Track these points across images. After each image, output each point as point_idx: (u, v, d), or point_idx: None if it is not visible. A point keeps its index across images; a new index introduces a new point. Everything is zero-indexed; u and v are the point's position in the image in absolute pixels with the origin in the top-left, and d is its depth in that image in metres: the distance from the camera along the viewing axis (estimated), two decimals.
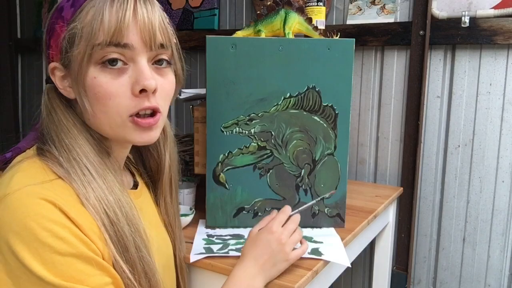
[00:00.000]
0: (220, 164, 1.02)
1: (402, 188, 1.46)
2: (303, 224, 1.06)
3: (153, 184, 0.82)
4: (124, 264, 0.59)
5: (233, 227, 1.05)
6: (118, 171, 0.68)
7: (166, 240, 0.81)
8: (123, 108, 0.61)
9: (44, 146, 0.62)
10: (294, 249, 0.83)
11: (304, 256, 0.90)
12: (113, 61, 0.60)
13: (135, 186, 0.79)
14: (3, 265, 0.53)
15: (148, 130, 0.63)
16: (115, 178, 0.63)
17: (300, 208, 0.90)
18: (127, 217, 0.61)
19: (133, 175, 0.81)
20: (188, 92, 1.24)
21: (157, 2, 0.65)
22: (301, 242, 0.86)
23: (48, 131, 0.63)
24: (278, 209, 1.05)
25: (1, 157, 0.65)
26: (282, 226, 0.83)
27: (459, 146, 1.41)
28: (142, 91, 0.61)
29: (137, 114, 0.62)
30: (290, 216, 0.86)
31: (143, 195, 0.79)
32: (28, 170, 0.59)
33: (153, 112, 0.63)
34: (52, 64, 0.63)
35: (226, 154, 1.02)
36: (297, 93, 1.01)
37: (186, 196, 1.13)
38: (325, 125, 1.03)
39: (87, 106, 0.61)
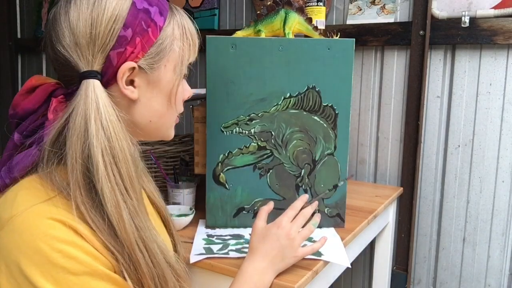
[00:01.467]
0: (220, 164, 1.02)
1: (402, 188, 1.46)
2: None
3: None
4: (135, 275, 0.59)
5: (233, 227, 1.05)
6: None
7: (168, 240, 0.81)
8: (180, 110, 0.72)
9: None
10: (304, 245, 0.83)
11: None
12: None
13: None
14: (7, 275, 0.52)
15: None
16: (143, 202, 0.63)
17: (311, 201, 0.91)
18: (156, 253, 0.61)
19: None
20: None
21: None
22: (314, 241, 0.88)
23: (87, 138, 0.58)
24: (279, 209, 1.05)
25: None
26: (292, 221, 0.83)
27: (459, 146, 1.41)
28: (188, 97, 0.73)
29: None
30: (301, 209, 0.87)
31: (144, 197, 0.77)
32: (30, 187, 0.58)
33: None
34: (129, 64, 0.61)
35: (226, 154, 1.02)
36: (297, 93, 1.01)
37: (186, 196, 1.13)
38: (325, 125, 1.03)
39: (166, 107, 0.68)
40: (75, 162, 0.56)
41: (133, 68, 0.62)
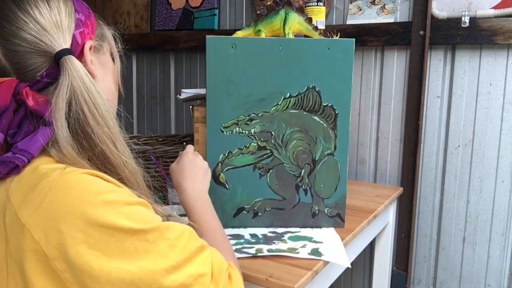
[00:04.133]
0: (220, 164, 1.02)
1: (402, 188, 1.46)
2: (303, 224, 1.06)
3: None
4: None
5: (233, 227, 1.05)
6: None
7: None
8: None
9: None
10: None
11: (304, 256, 0.90)
12: None
13: None
14: (85, 243, 0.55)
15: None
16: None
17: None
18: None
19: None
20: (188, 92, 1.24)
21: None
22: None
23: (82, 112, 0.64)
24: (279, 209, 1.05)
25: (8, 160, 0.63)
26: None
27: (459, 146, 1.41)
28: None
29: None
30: None
31: None
32: (48, 161, 0.63)
33: None
34: (90, 42, 0.69)
35: (226, 154, 1.02)
36: (297, 93, 1.01)
37: None
38: (325, 125, 1.03)
39: (113, 89, 0.78)
40: (87, 134, 0.64)
41: (92, 46, 0.70)
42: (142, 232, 0.58)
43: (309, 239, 0.99)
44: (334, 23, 1.58)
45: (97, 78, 0.71)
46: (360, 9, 1.52)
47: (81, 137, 0.64)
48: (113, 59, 0.78)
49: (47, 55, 0.65)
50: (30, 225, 0.56)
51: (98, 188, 0.59)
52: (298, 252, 0.92)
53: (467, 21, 1.30)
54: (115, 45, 0.79)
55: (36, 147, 0.62)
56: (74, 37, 0.67)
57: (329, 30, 1.19)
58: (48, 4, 0.66)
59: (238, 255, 0.90)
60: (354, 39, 1.01)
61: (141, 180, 0.72)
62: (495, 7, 1.28)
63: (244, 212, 1.05)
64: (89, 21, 0.71)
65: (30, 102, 0.63)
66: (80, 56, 0.68)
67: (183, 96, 1.24)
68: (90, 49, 0.69)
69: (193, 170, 0.91)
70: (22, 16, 0.64)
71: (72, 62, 0.64)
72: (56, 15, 0.66)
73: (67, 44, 0.66)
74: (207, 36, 0.98)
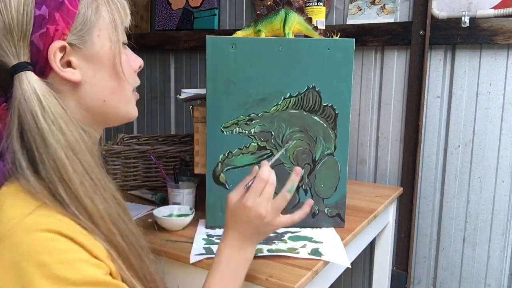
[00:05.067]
0: (220, 164, 1.02)
1: (402, 188, 1.46)
2: (303, 224, 1.06)
3: None
4: (133, 276, 0.58)
5: None
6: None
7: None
8: (133, 82, 0.66)
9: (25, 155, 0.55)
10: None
11: (304, 256, 0.90)
12: (124, 43, 0.65)
13: None
14: None
15: None
16: (110, 181, 0.59)
17: (272, 161, 0.81)
18: (127, 226, 0.59)
19: None
20: (188, 92, 1.24)
21: None
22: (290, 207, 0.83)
23: (33, 131, 0.54)
24: None
25: None
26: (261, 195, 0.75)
27: (459, 146, 1.41)
28: (139, 67, 0.68)
29: None
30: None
31: None
32: (15, 196, 0.54)
33: None
34: (57, 43, 0.56)
35: (226, 154, 1.02)
36: (297, 93, 1.01)
37: (186, 196, 1.13)
38: (325, 125, 1.03)
39: (115, 81, 0.63)
40: (43, 165, 0.53)
41: (64, 47, 0.57)
42: None
43: (309, 239, 0.99)
44: (334, 23, 1.58)
45: (83, 84, 0.59)
46: (360, 9, 1.52)
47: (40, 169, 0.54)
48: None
49: (5, 71, 0.55)
50: None
51: (48, 257, 0.50)
52: (298, 252, 0.92)
53: (467, 21, 1.30)
54: (118, 19, 0.62)
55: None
56: (32, 43, 0.55)
57: (329, 30, 1.19)
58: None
59: None
60: (354, 39, 1.01)
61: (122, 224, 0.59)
62: (495, 7, 1.28)
63: None
64: (59, 12, 0.56)
65: None
66: (46, 64, 0.56)
67: (183, 96, 1.24)
68: (64, 49, 0.57)
69: (249, 226, 0.74)
70: None
71: (22, 80, 0.54)
72: (5, 14, 0.53)
73: (22, 56, 0.54)
74: (207, 36, 0.98)
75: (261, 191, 0.74)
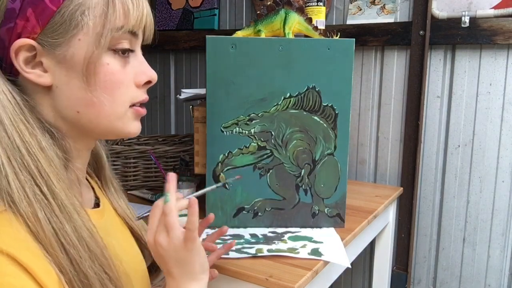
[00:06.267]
0: (220, 164, 1.02)
1: (402, 188, 1.46)
2: (303, 224, 1.06)
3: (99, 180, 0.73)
4: None
5: (233, 227, 1.05)
6: (75, 185, 0.59)
7: (139, 256, 0.71)
8: (127, 98, 0.57)
9: None
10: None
11: (304, 256, 0.90)
12: (125, 51, 0.56)
13: (97, 203, 0.67)
14: None
15: (139, 120, 0.61)
16: (72, 197, 0.53)
17: (198, 193, 0.74)
18: (89, 251, 0.52)
19: (92, 188, 0.69)
20: (188, 92, 1.24)
21: None
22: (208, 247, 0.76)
23: None
24: (279, 209, 1.04)
25: None
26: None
27: (459, 146, 1.41)
28: (147, 82, 0.60)
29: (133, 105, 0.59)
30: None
31: (106, 212, 0.67)
32: None
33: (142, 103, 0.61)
34: (22, 41, 0.51)
35: (226, 154, 1.02)
36: (297, 93, 1.01)
37: (186, 196, 1.13)
38: (325, 125, 1.03)
39: (87, 95, 0.54)
40: None
41: (31, 46, 0.52)
42: None
43: (309, 239, 0.99)
44: (334, 23, 1.58)
45: (54, 89, 0.54)
46: (360, 9, 1.52)
47: None
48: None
49: None
50: None
51: None
52: (298, 252, 0.92)
53: (467, 21, 1.30)
54: (110, 23, 0.54)
55: None
56: None
57: (329, 30, 1.19)
58: None
59: (238, 255, 0.90)
60: (354, 39, 1.01)
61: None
62: (495, 7, 1.28)
63: (244, 212, 1.05)
64: (32, 8, 0.51)
65: None
66: (12, 62, 0.52)
67: (183, 96, 1.24)
68: (33, 48, 0.52)
69: (194, 266, 0.62)
70: None
71: None
72: None
73: None
74: (207, 36, 0.98)
75: (155, 224, 0.62)
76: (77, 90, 0.54)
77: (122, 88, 0.56)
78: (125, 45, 0.56)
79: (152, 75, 0.59)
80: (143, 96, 0.60)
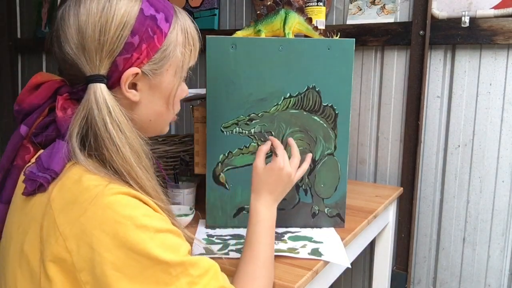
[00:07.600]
0: (220, 164, 1.02)
1: (402, 188, 1.46)
2: (303, 224, 1.06)
3: None
4: None
5: (233, 227, 1.05)
6: None
7: None
8: (176, 110, 0.76)
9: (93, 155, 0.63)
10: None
11: (304, 256, 0.90)
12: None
13: None
14: (112, 263, 0.56)
15: None
16: (153, 174, 0.70)
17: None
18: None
19: None
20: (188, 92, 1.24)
21: None
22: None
23: (100, 136, 0.62)
24: (278, 209, 1.05)
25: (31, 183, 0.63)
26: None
27: (459, 146, 1.41)
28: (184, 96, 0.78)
29: None
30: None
31: None
32: (88, 173, 0.62)
33: None
34: (134, 69, 0.65)
35: (226, 154, 1.02)
36: (297, 93, 1.01)
37: (186, 196, 1.13)
38: (325, 125, 1.03)
39: (165, 108, 0.72)
40: (111, 162, 0.62)
41: (137, 73, 0.65)
42: (166, 264, 0.58)
43: (309, 239, 0.99)
44: (334, 23, 1.58)
45: (138, 104, 0.68)
46: (360, 9, 1.52)
47: (99, 159, 0.63)
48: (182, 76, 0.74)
49: (82, 73, 0.64)
50: (65, 234, 0.57)
51: (133, 211, 0.58)
52: (298, 252, 0.92)
53: (467, 21, 1.30)
54: (187, 60, 0.72)
55: (60, 166, 0.62)
56: (114, 62, 0.63)
57: (329, 30, 1.19)
58: (101, 21, 0.62)
59: (238, 255, 0.90)
60: (354, 39, 1.01)
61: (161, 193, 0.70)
62: (495, 7, 1.28)
63: (244, 212, 1.05)
64: (146, 43, 0.65)
65: (58, 113, 0.64)
66: (117, 82, 0.65)
67: None
68: (136, 74, 0.65)
69: (280, 185, 0.86)
70: (72, 24, 0.63)
71: (96, 91, 0.62)
72: (103, 32, 0.62)
73: (102, 69, 0.63)
74: (207, 36, 0.98)
75: (285, 156, 0.88)
76: (156, 106, 0.71)
77: (178, 103, 0.76)
78: (185, 74, 0.73)
79: (188, 90, 0.78)
80: (180, 107, 0.78)
